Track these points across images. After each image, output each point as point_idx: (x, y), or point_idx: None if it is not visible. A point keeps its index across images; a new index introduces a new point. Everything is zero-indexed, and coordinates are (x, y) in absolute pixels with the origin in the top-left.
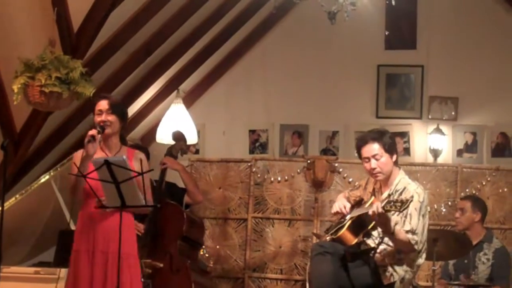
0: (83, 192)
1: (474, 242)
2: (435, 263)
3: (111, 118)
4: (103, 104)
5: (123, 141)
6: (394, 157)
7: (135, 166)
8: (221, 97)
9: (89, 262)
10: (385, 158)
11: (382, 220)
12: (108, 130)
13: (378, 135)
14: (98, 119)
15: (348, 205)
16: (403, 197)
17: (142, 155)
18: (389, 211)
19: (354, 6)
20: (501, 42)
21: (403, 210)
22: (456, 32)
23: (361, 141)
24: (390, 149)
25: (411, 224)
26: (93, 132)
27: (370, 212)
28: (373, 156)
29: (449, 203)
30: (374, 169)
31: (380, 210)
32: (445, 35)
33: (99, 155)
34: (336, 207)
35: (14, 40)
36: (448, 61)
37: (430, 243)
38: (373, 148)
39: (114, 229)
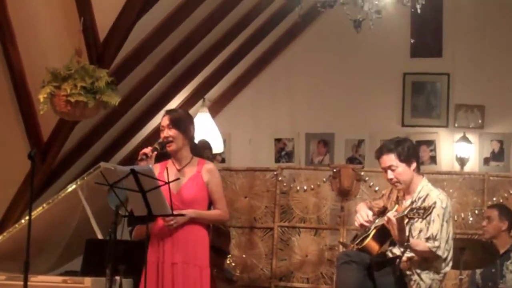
0: None
1: (501, 251)
2: (462, 272)
3: (173, 133)
4: (164, 120)
5: (196, 152)
6: (413, 165)
7: (205, 177)
8: (246, 106)
9: (157, 273)
10: (401, 168)
11: (398, 228)
12: (172, 146)
13: (394, 146)
14: (161, 135)
15: (371, 213)
16: (426, 204)
17: (211, 166)
18: (413, 218)
19: (379, 14)
20: None
21: (426, 217)
22: (482, 40)
23: (378, 152)
24: (407, 158)
25: (432, 230)
26: (145, 150)
27: (385, 220)
28: (389, 167)
29: (476, 211)
30: (391, 179)
31: (392, 217)
32: (471, 42)
33: (171, 168)
34: (360, 219)
35: (41, 50)
36: (474, 69)
37: (457, 252)
38: (388, 159)
39: (182, 240)
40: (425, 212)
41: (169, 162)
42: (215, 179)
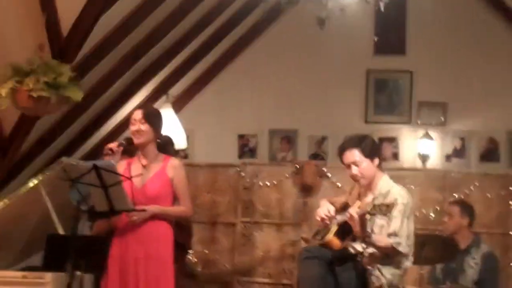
0: None
1: (462, 247)
2: (423, 267)
3: (144, 127)
4: (137, 114)
5: (163, 149)
6: (376, 161)
7: (170, 173)
8: (210, 102)
9: (120, 267)
10: (365, 163)
11: (358, 224)
12: (141, 139)
13: (357, 141)
14: (132, 128)
15: (333, 209)
16: (388, 200)
17: (176, 162)
18: (374, 214)
19: (343, 12)
20: (489, 48)
21: (388, 213)
22: (445, 38)
23: (340, 148)
24: (371, 153)
25: (394, 226)
26: (111, 145)
27: (347, 216)
28: (353, 163)
29: (437, 208)
30: (355, 175)
31: (354, 214)
32: (434, 40)
33: (137, 163)
34: (321, 213)
35: (2, 44)
36: (437, 67)
37: (417, 248)
38: (351, 155)
39: (146, 235)
40: (387, 208)
41: (135, 158)
42: (179, 175)
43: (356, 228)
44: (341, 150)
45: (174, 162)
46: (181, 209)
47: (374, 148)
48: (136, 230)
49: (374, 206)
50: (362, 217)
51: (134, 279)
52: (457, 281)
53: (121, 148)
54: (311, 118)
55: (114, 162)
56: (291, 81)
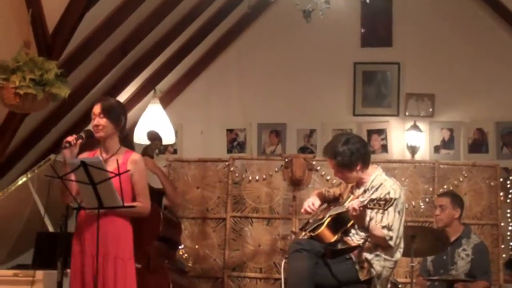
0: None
1: (453, 238)
2: (414, 259)
3: (103, 121)
4: (96, 108)
5: (127, 143)
6: (358, 167)
7: (130, 168)
8: (198, 97)
9: (81, 264)
10: (344, 173)
11: (359, 216)
12: (100, 134)
13: (333, 153)
14: (92, 122)
15: (318, 203)
16: (386, 195)
17: (137, 157)
18: (373, 209)
19: (328, 4)
20: (476, 38)
21: (387, 208)
22: (432, 29)
23: (323, 152)
24: (350, 163)
25: (387, 220)
26: (69, 138)
27: (346, 207)
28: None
29: (427, 199)
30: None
31: (356, 207)
32: (421, 32)
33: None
34: (305, 206)
35: None
36: (424, 58)
37: (408, 240)
38: (331, 163)
39: (103, 233)
40: (386, 203)
41: (98, 151)
42: (139, 171)
43: (357, 220)
44: (325, 156)
45: (134, 157)
46: (138, 205)
47: (354, 157)
48: (94, 228)
49: (372, 200)
50: (362, 211)
51: (92, 277)
52: (448, 273)
53: (80, 141)
54: (299, 111)
55: (71, 155)
56: (279, 75)
